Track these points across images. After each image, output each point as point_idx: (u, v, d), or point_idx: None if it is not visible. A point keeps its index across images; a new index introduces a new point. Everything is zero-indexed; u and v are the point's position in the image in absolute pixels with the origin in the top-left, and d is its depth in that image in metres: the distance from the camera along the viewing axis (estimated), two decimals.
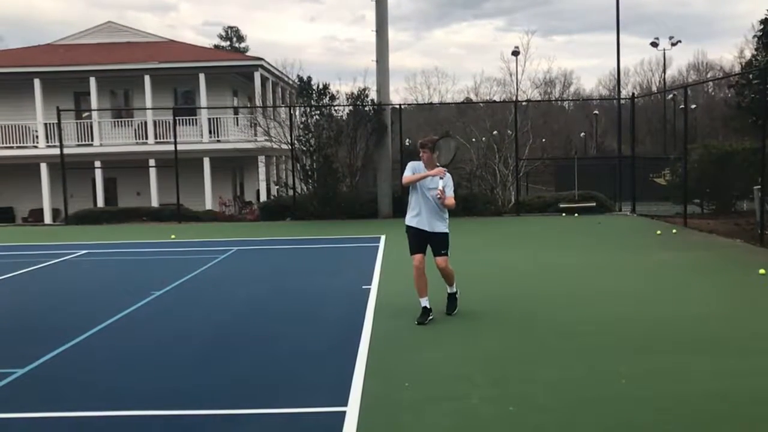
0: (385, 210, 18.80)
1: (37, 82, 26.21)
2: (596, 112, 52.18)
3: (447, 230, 6.88)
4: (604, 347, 5.96)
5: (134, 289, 9.06)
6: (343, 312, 7.47)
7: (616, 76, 29.37)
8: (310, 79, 19.91)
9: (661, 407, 4.52)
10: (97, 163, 25.72)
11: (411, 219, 6.84)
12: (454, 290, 7.12)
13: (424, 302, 6.84)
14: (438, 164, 6.72)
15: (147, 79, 26.32)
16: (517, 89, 28.08)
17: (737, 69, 31.72)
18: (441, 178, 6.62)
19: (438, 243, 6.82)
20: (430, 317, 6.82)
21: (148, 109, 25.88)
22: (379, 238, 13.72)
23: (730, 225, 14.50)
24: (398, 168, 19.42)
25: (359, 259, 11.45)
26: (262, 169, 26.00)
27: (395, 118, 20.02)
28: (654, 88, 60.37)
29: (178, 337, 6.66)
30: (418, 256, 6.76)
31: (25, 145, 26.65)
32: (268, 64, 28.19)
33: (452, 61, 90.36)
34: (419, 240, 6.80)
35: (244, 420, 4.52)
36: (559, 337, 6.31)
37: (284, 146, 20.00)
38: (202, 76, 26.41)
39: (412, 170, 6.74)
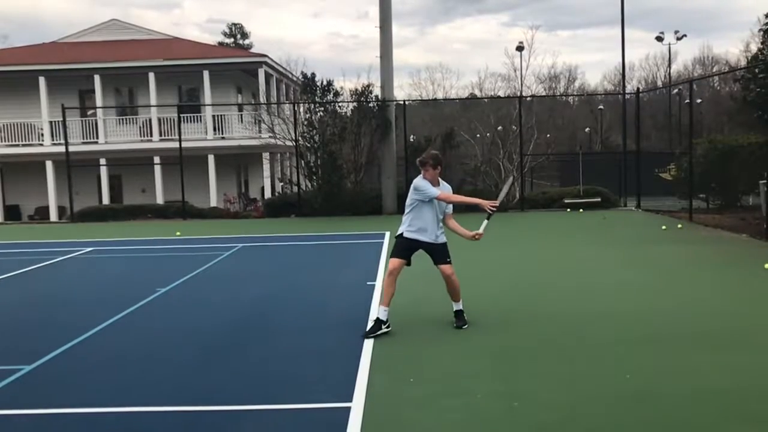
0: (389, 206, 18.80)
1: (42, 80, 26.28)
2: (601, 107, 51.98)
3: (445, 239, 6.63)
4: (608, 342, 5.95)
5: (139, 286, 9.08)
6: (348, 308, 7.48)
7: (621, 71, 29.30)
8: (314, 75, 19.91)
9: (665, 403, 4.52)
10: (102, 161, 25.76)
11: (413, 233, 6.45)
12: (461, 308, 6.67)
13: (382, 312, 6.33)
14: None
15: (151, 76, 26.36)
16: (522, 85, 28.03)
17: (743, 63, 31.55)
18: (493, 210, 6.51)
19: (441, 252, 6.55)
20: (383, 330, 6.27)
21: (153, 106, 25.92)
22: (384, 234, 13.71)
23: (736, 220, 14.45)
24: (403, 164, 19.43)
25: (364, 256, 11.46)
26: (266, 166, 26.02)
27: (399, 114, 20.00)
28: (659, 83, 60.13)
29: (184, 334, 6.68)
30: (398, 261, 6.38)
31: (30, 143, 26.73)
32: (272, 60, 28.20)
33: (456, 56, 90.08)
34: (410, 249, 6.48)
35: (249, 416, 4.54)
36: (563, 332, 6.30)
37: (288, 143, 20.01)
38: (206, 74, 26.43)
39: (434, 188, 6.37)
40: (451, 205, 6.65)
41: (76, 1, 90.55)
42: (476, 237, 6.57)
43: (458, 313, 6.63)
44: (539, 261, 10.55)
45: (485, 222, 6.61)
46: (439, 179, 6.56)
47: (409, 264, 6.54)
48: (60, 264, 11.54)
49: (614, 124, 50.89)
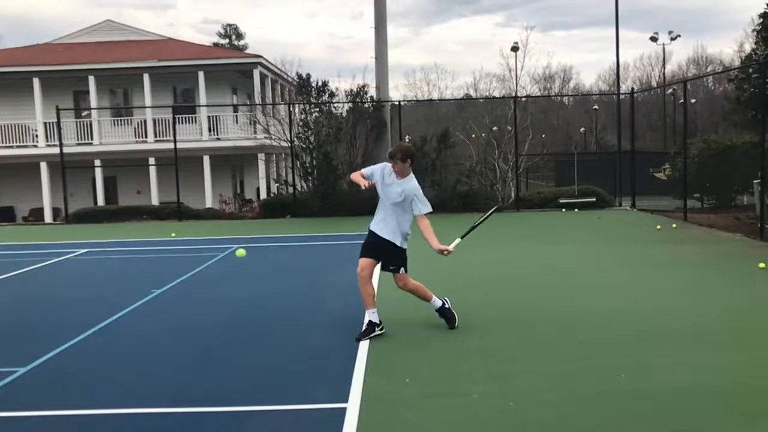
0: None
1: (36, 82, 26.20)
2: (596, 107, 52.18)
3: (401, 245, 6.20)
4: (604, 342, 5.97)
5: (135, 287, 9.06)
6: (344, 308, 7.47)
7: (615, 71, 29.37)
8: (309, 76, 19.93)
9: (661, 402, 4.53)
10: (97, 162, 25.72)
11: (375, 224, 6.28)
12: (440, 303, 6.39)
13: (369, 315, 6.19)
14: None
15: (146, 77, 26.31)
16: (517, 85, 28.09)
17: (737, 63, 31.67)
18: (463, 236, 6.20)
19: (388, 254, 6.19)
20: (377, 333, 6.16)
21: (148, 107, 25.89)
22: None
23: (730, 219, 14.51)
24: None
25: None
26: (262, 167, 26.01)
27: (395, 115, 20.03)
28: (654, 83, 60.31)
29: (179, 335, 6.67)
30: (361, 261, 6.17)
31: (25, 144, 26.66)
32: (267, 61, 28.18)
33: (451, 57, 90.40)
34: (371, 245, 6.24)
35: (245, 417, 4.53)
36: (559, 331, 6.31)
37: (284, 144, 20.00)
38: (201, 74, 26.39)
39: (371, 171, 6.22)
40: (421, 207, 6.16)
41: (70, 2, 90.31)
42: (444, 252, 6.12)
43: (441, 312, 6.39)
44: (534, 261, 10.56)
45: (458, 240, 6.33)
46: (411, 173, 6.19)
47: (379, 260, 6.27)
48: (54, 266, 11.51)
49: (609, 124, 51.05)
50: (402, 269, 6.28)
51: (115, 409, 4.70)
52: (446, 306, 6.45)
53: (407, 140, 21.44)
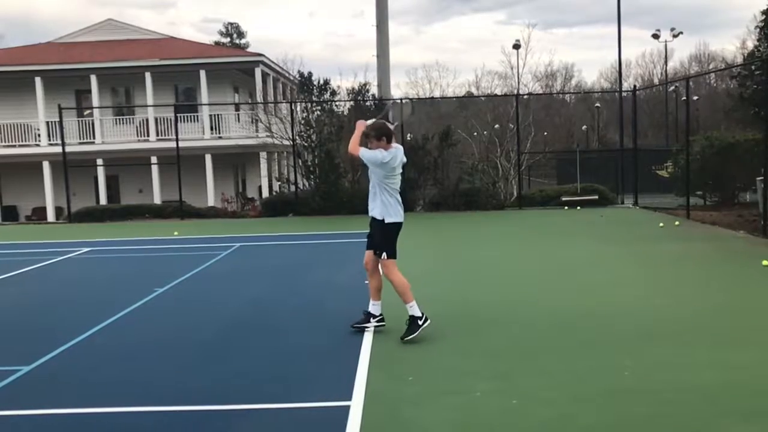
0: None
1: (38, 81, 26.24)
2: (598, 104, 52.07)
3: (378, 216, 6.07)
4: (607, 340, 5.96)
5: (137, 286, 9.07)
6: (346, 307, 7.47)
7: (617, 69, 29.30)
8: (310, 74, 19.95)
9: (663, 399, 4.52)
10: (99, 161, 25.75)
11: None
12: (418, 313, 5.92)
13: (371, 307, 6.23)
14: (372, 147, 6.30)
15: (148, 76, 26.33)
16: (519, 82, 28.06)
17: (739, 60, 31.60)
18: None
19: (374, 231, 6.12)
20: (373, 324, 6.17)
21: (150, 106, 25.90)
22: None
23: (733, 217, 14.48)
24: None
25: (361, 254, 11.40)
26: (263, 166, 26.02)
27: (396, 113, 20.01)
28: (656, 80, 60.21)
29: (182, 334, 6.67)
30: (366, 252, 6.31)
31: (27, 143, 26.70)
32: (269, 60, 28.19)
33: (453, 55, 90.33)
34: (369, 233, 6.33)
35: (247, 415, 4.53)
36: (561, 330, 6.31)
37: (286, 142, 20.01)
38: (202, 73, 26.40)
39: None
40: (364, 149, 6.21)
41: (71, 2, 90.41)
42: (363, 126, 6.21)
43: (411, 322, 5.96)
44: (536, 259, 10.55)
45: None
46: (394, 144, 6.21)
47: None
48: (57, 264, 11.52)
49: (611, 122, 50.97)
50: (384, 255, 6.09)
51: (117, 407, 4.70)
52: (419, 322, 5.94)
53: (409, 138, 21.41)
